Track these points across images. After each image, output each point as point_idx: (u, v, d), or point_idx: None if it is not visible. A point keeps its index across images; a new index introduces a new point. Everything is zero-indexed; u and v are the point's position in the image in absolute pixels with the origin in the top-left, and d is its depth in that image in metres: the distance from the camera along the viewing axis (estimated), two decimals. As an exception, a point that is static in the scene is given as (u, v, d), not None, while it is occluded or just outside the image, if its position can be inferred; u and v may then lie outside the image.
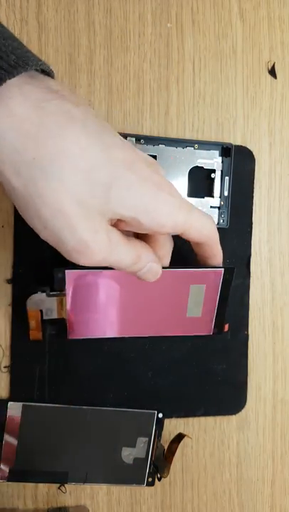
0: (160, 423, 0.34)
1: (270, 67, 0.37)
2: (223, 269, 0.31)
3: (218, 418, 0.36)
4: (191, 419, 0.36)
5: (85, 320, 0.31)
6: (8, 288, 0.32)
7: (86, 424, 0.33)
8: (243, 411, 0.37)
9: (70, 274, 0.29)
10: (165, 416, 0.35)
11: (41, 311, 0.30)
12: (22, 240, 0.32)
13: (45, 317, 0.31)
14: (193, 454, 0.36)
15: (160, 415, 0.34)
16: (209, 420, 0.36)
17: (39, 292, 0.30)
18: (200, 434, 0.36)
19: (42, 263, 0.32)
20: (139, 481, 0.34)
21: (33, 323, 0.31)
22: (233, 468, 0.37)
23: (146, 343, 0.34)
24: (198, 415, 0.36)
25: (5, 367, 0.33)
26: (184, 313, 0.32)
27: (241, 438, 0.37)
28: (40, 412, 0.32)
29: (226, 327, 0.34)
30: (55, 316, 0.31)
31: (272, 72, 0.37)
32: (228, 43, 0.36)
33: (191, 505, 0.36)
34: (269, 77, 0.37)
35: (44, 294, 0.30)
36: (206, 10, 0.35)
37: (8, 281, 0.32)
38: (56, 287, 0.29)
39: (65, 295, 0.30)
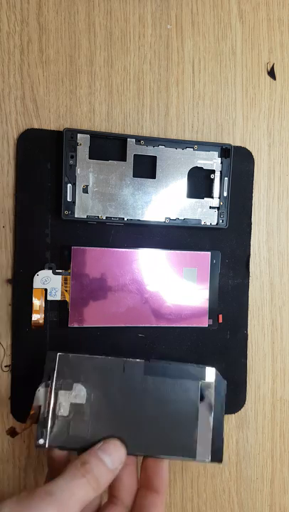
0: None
1: (269, 69, 0.37)
2: (209, 252, 0.35)
3: (218, 417, 0.37)
4: (190, 418, 0.36)
5: (86, 306, 0.33)
6: (8, 288, 0.33)
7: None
8: (243, 410, 0.37)
9: (75, 251, 0.32)
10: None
11: (46, 290, 0.32)
12: (22, 240, 0.32)
13: (49, 297, 0.32)
14: (192, 453, 0.36)
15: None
16: (209, 419, 0.36)
17: (46, 269, 0.32)
18: (199, 433, 0.36)
19: (42, 263, 0.32)
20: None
21: (36, 304, 0.32)
22: (233, 466, 0.37)
23: (146, 342, 0.35)
24: (198, 414, 0.36)
25: (6, 366, 0.33)
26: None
27: (241, 437, 0.37)
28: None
29: (220, 318, 0.35)
30: (58, 297, 0.33)
31: (271, 73, 0.37)
32: (228, 45, 0.36)
33: (190, 504, 0.36)
34: (268, 78, 0.37)
35: (50, 270, 0.32)
36: (205, 11, 0.36)
37: (8, 281, 0.33)
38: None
39: (69, 274, 0.32)
